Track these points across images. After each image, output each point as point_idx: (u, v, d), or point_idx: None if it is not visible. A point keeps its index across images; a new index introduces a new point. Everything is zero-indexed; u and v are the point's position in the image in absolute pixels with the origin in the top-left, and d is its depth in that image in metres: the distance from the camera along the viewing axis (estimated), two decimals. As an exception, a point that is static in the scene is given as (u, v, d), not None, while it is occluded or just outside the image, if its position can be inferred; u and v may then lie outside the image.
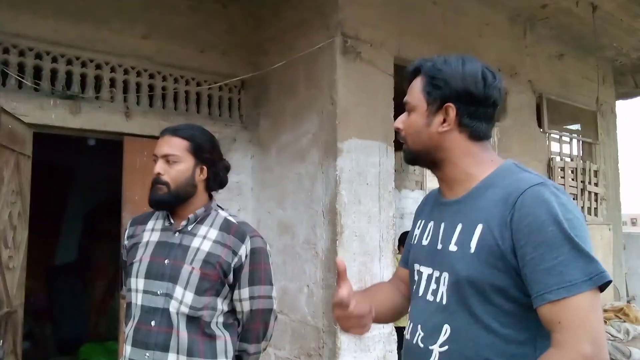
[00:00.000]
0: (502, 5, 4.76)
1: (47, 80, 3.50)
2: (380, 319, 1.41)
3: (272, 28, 4.19)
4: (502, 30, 4.92)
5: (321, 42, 3.55)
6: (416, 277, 1.25)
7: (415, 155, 1.22)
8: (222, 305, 1.62)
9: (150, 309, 1.57)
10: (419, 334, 1.17)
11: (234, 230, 1.65)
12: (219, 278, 1.59)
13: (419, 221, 1.32)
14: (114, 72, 3.76)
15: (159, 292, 1.57)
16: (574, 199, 5.75)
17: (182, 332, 1.54)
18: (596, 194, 6.07)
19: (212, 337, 1.59)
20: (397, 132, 1.26)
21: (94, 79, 3.68)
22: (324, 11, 3.62)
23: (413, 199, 7.62)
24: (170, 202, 1.63)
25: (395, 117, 1.28)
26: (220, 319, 1.63)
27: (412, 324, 1.22)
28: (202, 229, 1.65)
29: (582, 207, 5.86)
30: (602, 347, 0.95)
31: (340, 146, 3.42)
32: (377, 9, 3.74)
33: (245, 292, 1.64)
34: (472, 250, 1.07)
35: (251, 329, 1.69)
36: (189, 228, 1.65)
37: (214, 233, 1.64)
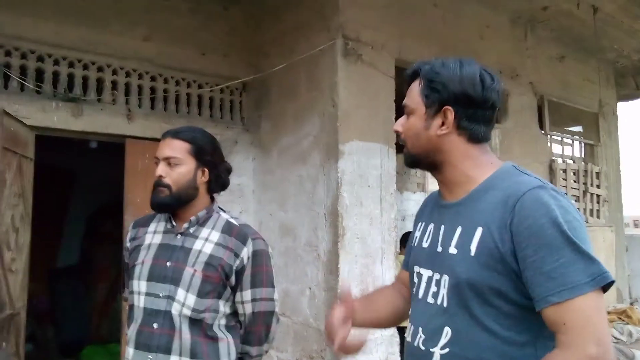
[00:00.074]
0: (503, 8, 4.77)
1: (49, 83, 3.51)
2: (383, 324, 1.42)
3: (273, 30, 4.20)
4: (503, 32, 4.92)
5: (322, 44, 3.56)
6: (416, 279, 1.25)
7: (416, 158, 1.23)
8: (224, 307, 1.62)
9: (152, 312, 1.57)
10: (420, 337, 1.17)
11: (235, 233, 1.65)
12: (220, 280, 1.59)
13: (419, 223, 1.32)
14: (116, 74, 3.77)
15: (161, 295, 1.57)
16: (575, 201, 5.75)
17: (185, 335, 1.54)
18: (598, 196, 6.06)
19: (214, 339, 1.59)
20: (397, 134, 1.27)
21: (95, 82, 3.69)
22: (325, 13, 3.62)
23: (415, 201, 7.61)
24: (172, 205, 1.63)
25: (397, 119, 1.28)
26: (223, 322, 1.63)
27: (413, 326, 1.22)
28: (204, 232, 1.65)
29: (584, 209, 5.86)
30: (607, 348, 0.95)
31: (341, 148, 3.43)
32: (378, 11, 3.75)
33: (247, 294, 1.64)
34: (472, 253, 1.08)
35: (253, 331, 1.69)
36: (191, 230, 1.65)
37: (215, 235, 1.64)
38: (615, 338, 4.88)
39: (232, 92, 4.37)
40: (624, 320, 5.22)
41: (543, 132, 5.43)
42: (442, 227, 1.19)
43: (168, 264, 1.60)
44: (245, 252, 1.63)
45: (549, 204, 1.01)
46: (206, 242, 1.62)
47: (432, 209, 1.29)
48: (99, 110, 3.66)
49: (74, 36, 3.58)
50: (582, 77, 5.90)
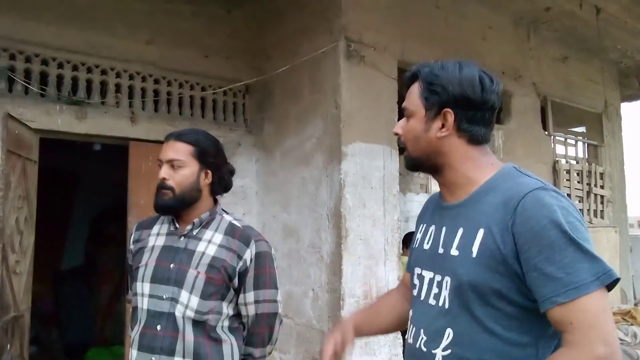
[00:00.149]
0: (506, 9, 4.76)
1: (53, 86, 3.53)
2: (388, 331, 1.43)
3: (275, 33, 4.21)
4: (506, 33, 4.92)
5: (325, 46, 3.57)
6: (417, 281, 1.25)
7: (416, 161, 1.23)
8: (227, 309, 1.62)
9: (156, 313, 1.58)
10: (422, 338, 1.17)
11: (238, 234, 1.66)
12: (224, 282, 1.59)
13: (421, 225, 1.33)
14: (120, 77, 3.79)
15: (164, 297, 1.58)
16: (579, 201, 5.73)
17: (188, 336, 1.55)
18: (602, 197, 6.04)
19: (218, 341, 1.59)
20: (397, 137, 1.27)
21: (99, 85, 3.71)
22: (328, 16, 3.63)
23: (418, 202, 7.59)
24: (175, 207, 1.64)
25: (399, 120, 1.28)
26: (226, 323, 1.63)
27: (414, 328, 1.22)
28: (207, 233, 1.66)
29: (588, 210, 5.84)
30: (615, 348, 0.95)
31: (344, 150, 3.43)
32: (380, 13, 3.75)
33: (250, 296, 1.64)
34: (474, 254, 1.08)
35: (256, 332, 1.69)
36: (194, 232, 1.66)
37: (219, 237, 1.65)
38: (620, 339, 4.86)
39: (235, 95, 4.38)
40: (628, 321, 5.19)
41: (546, 132, 5.42)
42: (444, 229, 1.19)
43: (171, 266, 1.60)
44: (248, 254, 1.63)
45: (551, 205, 1.01)
46: (209, 244, 1.63)
47: (434, 211, 1.30)
48: (102, 113, 3.68)
49: (78, 40, 3.60)
50: (586, 77, 5.88)
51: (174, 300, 1.56)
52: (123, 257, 1.85)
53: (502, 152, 4.72)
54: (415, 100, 1.20)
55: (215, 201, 1.75)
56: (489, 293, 1.06)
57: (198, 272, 1.58)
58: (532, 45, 5.16)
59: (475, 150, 1.18)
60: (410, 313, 1.27)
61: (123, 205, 3.72)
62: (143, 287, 1.62)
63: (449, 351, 1.10)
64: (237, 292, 1.64)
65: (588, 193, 5.84)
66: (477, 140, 1.18)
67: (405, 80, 1.26)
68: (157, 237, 1.69)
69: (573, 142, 6.06)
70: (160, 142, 1.73)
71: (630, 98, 7.40)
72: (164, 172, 1.64)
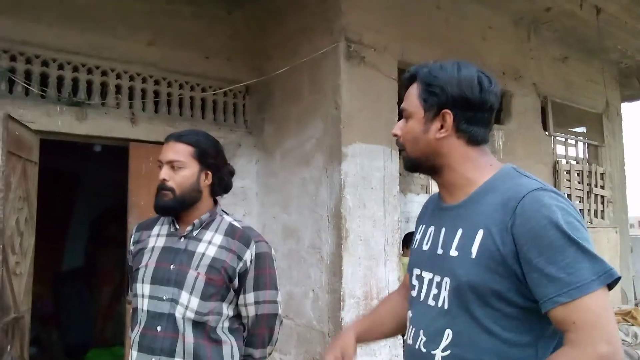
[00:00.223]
0: (506, 9, 4.76)
1: (54, 87, 3.53)
2: (391, 334, 1.44)
3: (276, 34, 4.21)
4: (506, 33, 4.92)
5: (325, 47, 3.57)
6: (416, 282, 1.25)
7: (415, 162, 1.23)
8: (227, 310, 1.62)
9: (156, 314, 1.58)
10: (421, 339, 1.17)
11: (238, 235, 1.66)
12: (224, 283, 1.59)
13: (420, 226, 1.33)
14: (120, 78, 3.79)
15: (164, 298, 1.58)
16: (579, 202, 5.73)
17: (188, 338, 1.55)
18: (602, 197, 6.04)
19: (218, 342, 1.59)
20: (396, 138, 1.27)
21: (100, 86, 3.71)
22: (328, 16, 3.63)
23: (418, 203, 7.59)
24: (175, 208, 1.64)
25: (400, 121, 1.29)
26: (226, 324, 1.63)
27: (413, 328, 1.22)
28: (207, 234, 1.66)
29: (589, 210, 5.84)
30: (617, 347, 0.96)
31: (344, 150, 3.43)
32: (380, 14, 3.75)
33: (250, 297, 1.64)
34: (473, 255, 1.08)
35: (256, 333, 1.69)
36: (194, 233, 1.66)
37: (219, 238, 1.65)
38: (621, 340, 4.85)
39: (236, 96, 4.38)
40: (628, 322, 5.18)
41: (547, 133, 5.42)
42: (443, 230, 1.19)
43: (171, 267, 1.60)
44: (249, 255, 1.63)
45: (550, 206, 1.01)
46: (209, 245, 1.63)
47: (433, 212, 1.30)
48: (103, 114, 3.68)
49: (78, 41, 3.61)
50: (586, 77, 5.88)
51: (174, 301, 1.56)
52: (123, 258, 1.85)
53: (503, 152, 4.72)
54: (414, 101, 1.20)
55: (215, 202, 1.75)
56: (488, 294, 1.06)
57: (198, 273, 1.58)
58: (532, 46, 5.16)
59: (474, 150, 1.18)
60: (410, 314, 1.27)
61: (123, 206, 3.72)
62: (143, 288, 1.62)
63: (449, 352, 1.11)
64: (237, 293, 1.64)
65: (588, 193, 5.84)
66: (476, 140, 1.18)
67: (403, 81, 1.26)
68: (157, 238, 1.69)
69: (573, 142, 6.06)
70: (161, 143, 1.73)
71: (630, 98, 7.40)
72: (164, 173, 1.64)
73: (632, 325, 5.12)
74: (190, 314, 1.56)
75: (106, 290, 5.87)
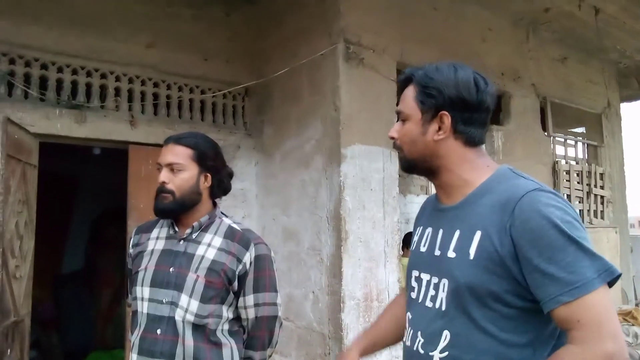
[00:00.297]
0: (505, 10, 4.77)
1: (53, 90, 3.53)
2: (396, 342, 1.44)
3: (274, 36, 4.21)
4: (505, 34, 4.92)
5: (324, 48, 3.57)
6: (415, 284, 1.25)
7: (412, 163, 1.23)
8: (227, 312, 1.62)
9: (155, 317, 1.58)
10: (419, 340, 1.18)
11: (238, 238, 1.66)
12: (223, 285, 1.59)
13: (418, 227, 1.33)
14: (119, 81, 3.79)
15: (164, 301, 1.58)
16: (579, 202, 5.73)
17: (188, 341, 1.55)
18: (602, 197, 6.04)
19: (218, 344, 1.59)
20: (393, 141, 1.27)
21: (99, 89, 3.71)
22: (327, 18, 3.63)
23: (418, 204, 7.59)
24: (175, 211, 1.64)
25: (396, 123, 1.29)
26: (226, 327, 1.63)
27: (412, 330, 1.23)
28: (207, 237, 1.66)
29: (588, 210, 5.84)
30: (622, 344, 0.96)
31: (343, 152, 3.43)
32: (379, 16, 3.76)
33: (250, 299, 1.64)
34: (471, 256, 1.08)
35: (256, 336, 1.69)
36: (194, 236, 1.66)
37: (218, 241, 1.65)
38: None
39: (235, 98, 4.38)
40: (629, 322, 5.18)
41: (546, 133, 5.42)
42: (440, 231, 1.20)
43: (171, 269, 1.60)
44: (248, 257, 1.63)
45: (548, 206, 1.02)
46: (209, 248, 1.63)
47: (431, 213, 1.30)
48: (102, 116, 3.68)
49: (78, 44, 3.61)
50: (585, 78, 5.89)
51: (174, 304, 1.56)
52: (123, 260, 1.86)
53: (502, 153, 4.72)
54: (411, 103, 1.20)
55: (215, 204, 1.76)
56: (486, 295, 1.06)
57: (198, 276, 1.58)
58: (531, 46, 5.16)
59: (471, 152, 1.18)
60: (409, 315, 1.27)
61: (123, 209, 3.72)
62: (143, 291, 1.62)
63: (446, 353, 1.11)
64: (237, 295, 1.64)
65: (588, 193, 5.84)
66: (474, 141, 1.18)
67: (398, 83, 1.26)
68: (157, 240, 1.69)
69: (573, 142, 6.06)
70: (160, 146, 1.73)
71: (629, 98, 7.40)
72: (164, 175, 1.64)
73: (633, 325, 5.12)
74: (190, 317, 1.55)
75: (106, 293, 5.86)
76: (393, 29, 3.83)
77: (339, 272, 3.36)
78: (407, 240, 4.10)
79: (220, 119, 4.28)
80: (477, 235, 1.08)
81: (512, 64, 4.94)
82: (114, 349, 5.13)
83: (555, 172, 5.42)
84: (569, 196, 5.55)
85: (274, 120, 4.19)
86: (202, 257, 1.61)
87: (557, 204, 1.03)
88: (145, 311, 1.60)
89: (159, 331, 1.56)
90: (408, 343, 1.23)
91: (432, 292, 1.18)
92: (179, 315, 1.55)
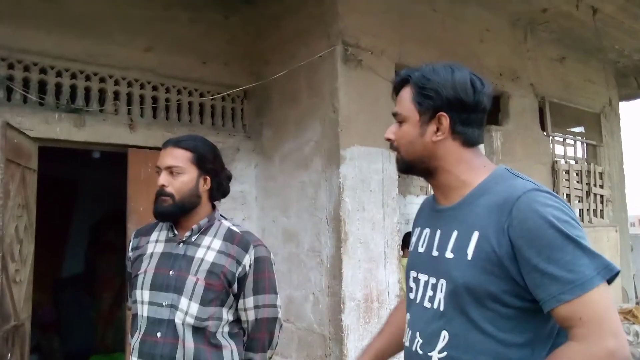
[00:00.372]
0: (503, 10, 4.78)
1: (52, 95, 3.53)
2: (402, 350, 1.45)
3: (273, 38, 4.22)
4: (503, 35, 4.93)
5: (322, 50, 3.58)
6: (413, 284, 1.26)
7: (410, 164, 1.23)
8: (227, 315, 1.62)
9: (155, 321, 1.58)
10: (418, 341, 1.18)
11: (237, 240, 1.66)
12: (223, 288, 1.59)
13: (416, 228, 1.33)
14: (118, 85, 3.80)
15: (164, 304, 1.58)
16: (579, 201, 5.73)
17: (188, 343, 1.55)
18: (602, 196, 6.05)
19: (218, 347, 1.59)
20: (389, 142, 1.27)
21: (98, 92, 3.72)
22: (325, 20, 3.64)
23: (418, 205, 7.54)
24: (175, 214, 1.64)
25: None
26: (226, 329, 1.63)
27: (410, 331, 1.23)
28: (206, 240, 1.66)
29: (588, 210, 5.84)
30: (624, 341, 0.96)
31: (343, 153, 3.44)
32: (377, 17, 3.76)
33: (249, 301, 1.64)
34: (469, 257, 1.08)
35: (257, 338, 1.69)
36: (193, 239, 1.66)
37: (217, 243, 1.65)
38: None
39: (234, 100, 4.39)
40: (630, 320, 5.18)
41: (545, 133, 5.42)
42: (438, 232, 1.20)
43: (171, 272, 1.60)
44: (247, 259, 1.63)
45: (545, 206, 1.02)
46: (208, 250, 1.63)
47: (428, 214, 1.30)
48: (101, 120, 3.68)
49: (76, 48, 3.61)
50: (583, 77, 5.90)
51: (174, 307, 1.56)
52: (123, 264, 1.86)
53: (501, 153, 4.72)
54: (408, 104, 1.20)
55: (214, 207, 1.76)
56: (484, 295, 1.06)
57: (197, 279, 1.58)
58: (529, 47, 5.17)
59: (468, 152, 1.19)
60: (407, 316, 1.27)
61: (122, 212, 3.72)
62: (142, 295, 1.62)
63: (445, 353, 1.11)
64: (237, 297, 1.64)
65: (587, 193, 5.84)
66: (471, 142, 1.18)
67: (394, 85, 1.26)
68: (156, 244, 1.69)
69: (572, 142, 6.06)
70: (159, 149, 1.73)
71: (628, 97, 7.41)
72: (163, 178, 1.64)
73: (634, 323, 5.12)
74: (190, 320, 1.55)
75: (106, 297, 5.86)
76: (391, 31, 3.84)
77: (339, 273, 3.36)
78: (405, 240, 4.09)
79: (219, 122, 4.29)
80: (475, 235, 1.08)
81: (510, 64, 4.94)
82: (115, 353, 5.13)
83: (554, 171, 5.42)
84: (568, 196, 5.55)
85: (273, 122, 4.19)
86: (202, 259, 1.61)
87: (555, 204, 1.03)
88: (145, 314, 1.60)
89: (159, 334, 1.56)
90: (407, 344, 1.23)
91: (430, 292, 1.18)
92: (179, 318, 1.55)
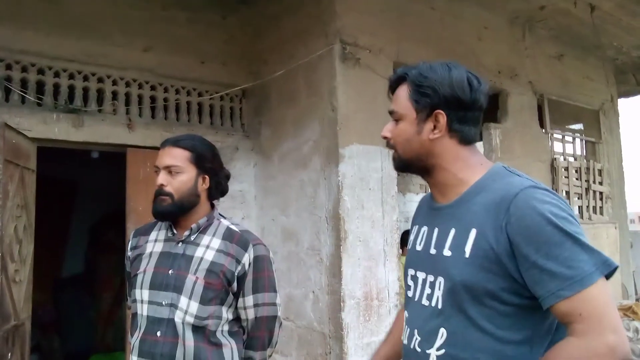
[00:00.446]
0: (501, 8, 4.77)
1: (50, 95, 3.53)
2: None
3: (271, 37, 4.22)
4: (501, 32, 4.93)
5: (320, 49, 3.58)
6: (411, 282, 1.26)
7: (407, 162, 1.24)
8: (227, 313, 1.63)
9: (155, 320, 1.58)
10: (416, 339, 1.18)
11: (236, 239, 1.66)
12: (223, 287, 1.60)
13: (414, 226, 1.34)
14: (116, 85, 3.79)
15: (164, 303, 1.58)
16: (578, 198, 5.73)
17: (188, 342, 1.55)
18: (601, 193, 6.04)
19: (218, 345, 1.60)
20: (386, 140, 1.27)
21: (96, 93, 3.71)
22: (323, 19, 3.64)
23: (417, 203, 7.57)
24: (174, 213, 1.64)
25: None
26: (226, 328, 1.63)
27: (408, 328, 1.23)
28: (205, 239, 1.66)
29: (587, 207, 5.84)
30: (623, 336, 0.97)
31: (341, 152, 3.44)
32: (375, 16, 3.76)
33: (249, 299, 1.65)
34: (467, 254, 1.09)
35: (256, 336, 1.70)
36: (192, 238, 1.66)
37: (217, 242, 1.65)
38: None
39: (232, 100, 4.38)
40: (629, 317, 5.18)
41: (544, 130, 5.42)
42: (436, 230, 1.20)
43: (170, 272, 1.61)
44: (247, 258, 1.64)
45: (543, 203, 1.03)
46: (207, 249, 1.63)
47: (426, 212, 1.31)
48: (99, 120, 3.68)
49: (75, 49, 3.61)
50: (582, 74, 5.89)
51: (174, 306, 1.57)
52: (123, 263, 1.86)
53: (500, 150, 4.72)
54: (405, 102, 1.20)
55: (213, 206, 1.76)
56: (482, 293, 1.06)
57: (197, 278, 1.58)
58: (527, 44, 5.17)
59: (465, 150, 1.19)
60: (406, 314, 1.28)
61: (122, 212, 3.72)
62: (142, 294, 1.62)
63: (443, 351, 1.11)
64: (236, 296, 1.64)
65: (587, 190, 5.84)
66: (468, 140, 1.19)
67: (390, 83, 1.26)
68: (155, 243, 1.69)
69: (571, 139, 6.06)
70: (158, 149, 1.73)
71: (626, 94, 7.41)
72: (162, 178, 1.64)
73: (633, 320, 5.12)
74: (190, 319, 1.56)
75: (106, 296, 5.87)
76: (389, 29, 3.84)
77: (338, 271, 3.36)
78: (404, 239, 4.10)
79: (217, 121, 4.28)
80: (473, 233, 1.09)
81: (508, 62, 4.94)
82: (115, 352, 5.13)
83: (553, 169, 5.42)
84: (567, 193, 5.55)
85: (272, 121, 4.20)
86: (201, 258, 1.61)
87: (552, 201, 1.04)
88: (145, 313, 1.61)
89: (158, 333, 1.56)
90: (405, 341, 1.23)
91: (428, 290, 1.18)
92: (178, 317, 1.56)
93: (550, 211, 1.01)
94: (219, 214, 1.77)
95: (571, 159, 5.83)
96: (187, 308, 1.56)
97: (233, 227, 1.71)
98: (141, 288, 1.63)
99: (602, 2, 4.70)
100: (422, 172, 1.24)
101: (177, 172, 1.64)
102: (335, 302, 3.38)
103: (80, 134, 3.59)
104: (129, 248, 1.78)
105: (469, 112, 1.17)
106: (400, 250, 3.79)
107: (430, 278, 1.18)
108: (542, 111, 5.40)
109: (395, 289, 3.60)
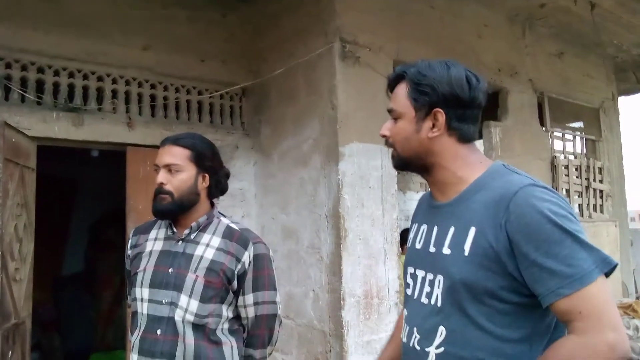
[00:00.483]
0: (500, 6, 4.77)
1: (50, 94, 3.53)
2: None
3: (271, 36, 4.21)
4: (501, 30, 4.92)
5: (320, 48, 3.57)
6: (411, 280, 1.26)
7: (406, 161, 1.24)
8: (227, 312, 1.63)
9: (155, 318, 1.59)
10: (415, 337, 1.18)
11: (236, 237, 1.66)
12: (223, 285, 1.60)
13: (414, 224, 1.34)
14: (116, 83, 3.79)
15: (164, 301, 1.58)
16: (578, 196, 5.73)
17: (189, 340, 1.55)
18: (601, 191, 6.04)
19: (218, 343, 1.60)
20: (385, 138, 1.27)
21: (96, 91, 3.71)
22: (323, 18, 3.64)
23: (417, 201, 7.58)
24: (174, 211, 1.65)
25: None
26: (226, 326, 1.64)
27: (408, 326, 1.23)
28: (205, 237, 1.66)
29: (587, 205, 5.84)
30: (623, 334, 0.97)
31: (341, 150, 3.44)
32: (375, 15, 3.76)
33: (249, 298, 1.65)
34: (466, 253, 1.09)
35: (256, 334, 1.70)
36: (192, 236, 1.66)
37: (216, 241, 1.65)
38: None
39: (232, 98, 4.38)
40: (630, 315, 5.18)
41: (544, 128, 5.42)
42: (435, 228, 1.20)
43: (170, 270, 1.61)
44: (247, 256, 1.64)
45: (542, 201, 1.02)
46: (207, 248, 1.64)
47: (425, 210, 1.31)
48: (99, 119, 3.68)
49: (74, 47, 3.60)
50: (582, 72, 5.89)
51: (174, 304, 1.57)
52: (123, 262, 1.86)
53: (500, 148, 4.72)
54: (403, 101, 1.20)
55: (212, 204, 1.76)
56: (482, 291, 1.06)
57: (197, 276, 1.59)
58: (527, 42, 5.16)
59: (464, 148, 1.19)
60: (405, 312, 1.28)
61: (122, 211, 3.72)
62: (142, 292, 1.62)
63: (442, 349, 1.11)
64: (236, 294, 1.64)
65: (587, 188, 5.84)
66: (467, 138, 1.19)
67: (389, 81, 1.26)
68: (155, 242, 1.70)
69: (571, 137, 6.06)
70: (158, 147, 1.73)
71: (627, 92, 7.41)
72: (162, 176, 1.64)
73: (633, 318, 5.13)
74: (190, 317, 1.56)
75: (107, 295, 5.87)
76: (389, 28, 3.83)
77: (338, 269, 3.36)
78: (403, 237, 4.10)
79: (217, 120, 4.28)
80: (472, 231, 1.09)
81: (508, 59, 4.94)
82: (115, 350, 5.13)
83: (553, 167, 5.42)
84: (567, 191, 5.55)
85: (272, 120, 4.19)
86: (201, 257, 1.62)
87: (552, 199, 1.04)
88: (145, 312, 1.61)
89: (159, 331, 1.57)
90: (405, 339, 1.23)
91: (427, 288, 1.18)
92: (178, 315, 1.56)
93: (549, 209, 1.01)
94: (219, 212, 1.77)
95: (571, 157, 5.83)
96: (187, 306, 1.56)
97: (233, 225, 1.71)
98: (141, 286, 1.63)
99: (602, 0, 4.70)
100: (421, 171, 1.24)
101: (177, 171, 1.64)
102: (336, 300, 3.38)
103: (80, 133, 3.58)
104: (128, 246, 1.78)
105: (467, 110, 1.17)
106: (400, 249, 3.79)
107: (430, 276, 1.18)
108: (542, 109, 5.40)
109: (396, 287, 3.60)
